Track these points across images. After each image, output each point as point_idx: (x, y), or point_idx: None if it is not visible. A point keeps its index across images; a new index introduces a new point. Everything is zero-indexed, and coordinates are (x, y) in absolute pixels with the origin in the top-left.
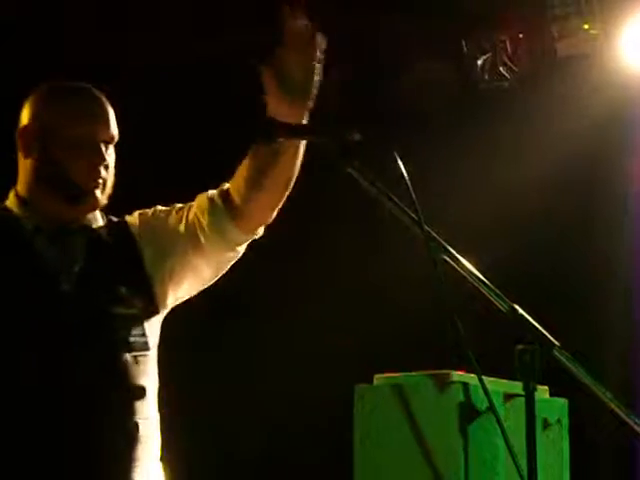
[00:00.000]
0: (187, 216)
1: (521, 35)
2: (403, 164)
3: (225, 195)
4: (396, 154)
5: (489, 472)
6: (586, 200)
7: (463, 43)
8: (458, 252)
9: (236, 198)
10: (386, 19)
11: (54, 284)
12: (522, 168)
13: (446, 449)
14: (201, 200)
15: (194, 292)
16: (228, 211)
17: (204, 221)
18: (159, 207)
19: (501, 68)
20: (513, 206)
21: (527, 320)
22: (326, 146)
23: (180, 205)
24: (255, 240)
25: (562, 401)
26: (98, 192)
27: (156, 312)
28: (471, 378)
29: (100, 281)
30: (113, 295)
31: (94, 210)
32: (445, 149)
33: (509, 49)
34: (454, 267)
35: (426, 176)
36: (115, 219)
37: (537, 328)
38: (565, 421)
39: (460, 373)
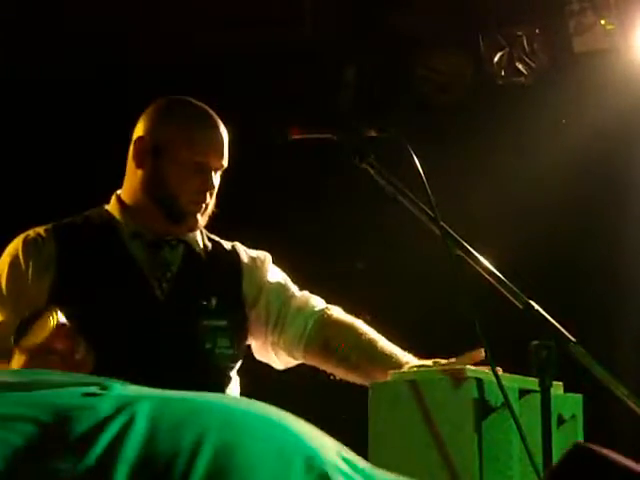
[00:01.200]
0: (286, 308)
1: (537, 31)
2: (419, 160)
3: (322, 336)
4: (411, 150)
5: (503, 468)
6: (603, 194)
7: (480, 39)
8: (474, 247)
9: (326, 350)
10: (402, 14)
11: (146, 289)
12: (539, 162)
13: (460, 445)
14: (301, 316)
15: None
16: (309, 346)
17: (287, 330)
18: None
19: (518, 64)
20: (530, 201)
21: (543, 316)
22: (342, 143)
23: (289, 292)
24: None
25: (577, 397)
26: (199, 215)
27: (246, 328)
28: (486, 374)
29: (191, 292)
30: (203, 306)
31: (192, 231)
32: (463, 144)
33: (526, 45)
34: (470, 263)
35: (443, 171)
36: (223, 241)
37: (553, 324)
38: (580, 417)
39: (475, 368)
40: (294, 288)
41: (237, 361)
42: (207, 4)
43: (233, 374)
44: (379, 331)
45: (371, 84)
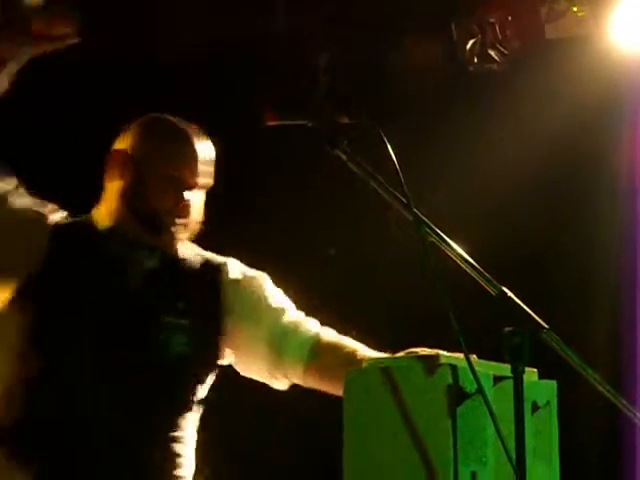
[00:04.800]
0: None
1: (510, 17)
2: (391, 146)
3: (317, 358)
4: (384, 136)
5: (478, 454)
6: (575, 182)
7: (452, 25)
8: (447, 234)
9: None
10: (374, 0)
11: (118, 283)
12: (511, 150)
13: (434, 431)
14: (299, 339)
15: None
16: (308, 368)
17: (285, 356)
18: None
19: (490, 51)
20: (500, 189)
21: (516, 303)
22: (315, 129)
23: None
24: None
25: (551, 383)
26: (178, 231)
27: (217, 340)
28: (460, 360)
29: (161, 292)
30: (170, 307)
31: (171, 246)
32: (434, 132)
33: (498, 32)
34: (443, 249)
35: (415, 158)
36: (214, 255)
37: (526, 311)
38: (554, 403)
39: (449, 355)
40: (291, 310)
41: (200, 366)
42: None
43: (200, 387)
44: (350, 317)
45: (343, 71)
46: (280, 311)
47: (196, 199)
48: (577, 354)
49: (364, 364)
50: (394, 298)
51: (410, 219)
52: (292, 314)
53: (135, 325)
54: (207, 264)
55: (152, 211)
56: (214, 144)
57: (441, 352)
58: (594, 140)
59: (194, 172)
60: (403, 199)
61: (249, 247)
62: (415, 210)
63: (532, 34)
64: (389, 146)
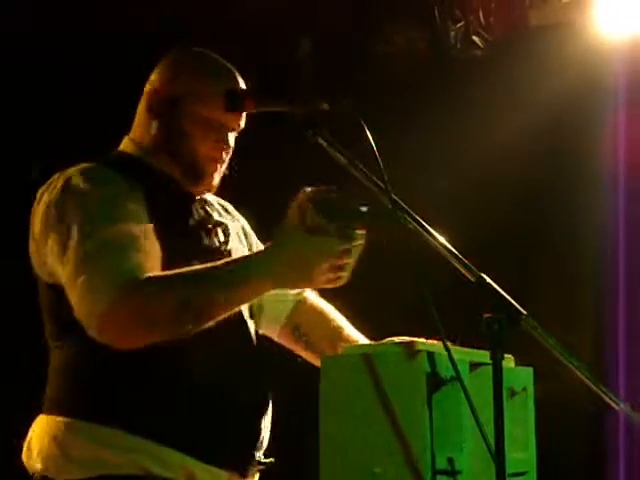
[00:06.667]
0: None
1: (493, 4)
2: (372, 134)
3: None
4: (364, 123)
5: (455, 440)
6: (559, 168)
7: (435, 12)
8: (427, 222)
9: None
10: None
11: (197, 238)
12: (495, 137)
13: (411, 417)
14: None
15: None
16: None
17: (268, 312)
18: None
19: (474, 37)
20: (483, 177)
21: (495, 289)
22: (295, 116)
23: None
24: None
25: (528, 370)
26: (216, 176)
27: None
28: (437, 347)
29: (225, 243)
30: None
31: (209, 192)
32: (416, 118)
33: (481, 18)
34: (421, 236)
35: (398, 145)
36: (225, 203)
37: (505, 297)
38: (531, 390)
39: (425, 341)
40: None
41: None
42: None
43: None
44: (335, 304)
45: (325, 57)
46: None
47: (232, 143)
48: (556, 340)
49: (340, 350)
50: (372, 285)
51: (388, 206)
52: None
53: None
54: (232, 212)
55: (195, 157)
56: None
57: (418, 339)
58: (578, 127)
59: (240, 114)
60: (382, 185)
61: None
62: (394, 197)
63: (516, 20)
64: (368, 132)
